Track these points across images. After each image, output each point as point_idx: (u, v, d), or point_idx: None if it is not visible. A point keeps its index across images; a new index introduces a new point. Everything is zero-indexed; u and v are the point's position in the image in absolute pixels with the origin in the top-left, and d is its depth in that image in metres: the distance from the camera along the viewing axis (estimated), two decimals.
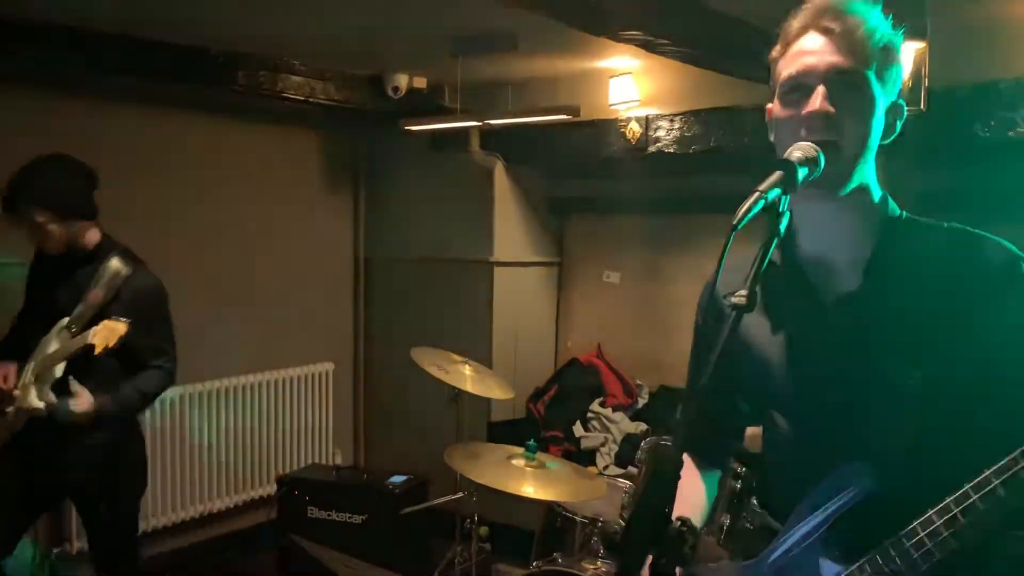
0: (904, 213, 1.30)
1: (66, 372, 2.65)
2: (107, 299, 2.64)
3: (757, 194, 1.09)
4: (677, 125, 3.94)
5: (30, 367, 2.71)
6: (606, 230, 4.70)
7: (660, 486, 0.98)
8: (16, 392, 2.70)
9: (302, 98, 4.15)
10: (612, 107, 4.09)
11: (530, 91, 4.41)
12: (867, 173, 1.25)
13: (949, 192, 3.41)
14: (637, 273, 4.58)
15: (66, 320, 2.67)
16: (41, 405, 2.64)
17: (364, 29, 3.50)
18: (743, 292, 1.08)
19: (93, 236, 2.75)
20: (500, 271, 4.63)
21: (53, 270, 2.78)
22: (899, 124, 1.27)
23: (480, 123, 4.13)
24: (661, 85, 4.06)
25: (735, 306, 1.07)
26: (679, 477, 0.99)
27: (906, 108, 1.27)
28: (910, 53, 2.47)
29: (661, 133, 3.98)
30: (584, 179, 4.72)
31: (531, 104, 4.32)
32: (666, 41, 2.85)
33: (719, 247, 1.09)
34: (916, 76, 2.47)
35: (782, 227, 1.13)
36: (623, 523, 2.88)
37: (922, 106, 2.53)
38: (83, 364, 2.62)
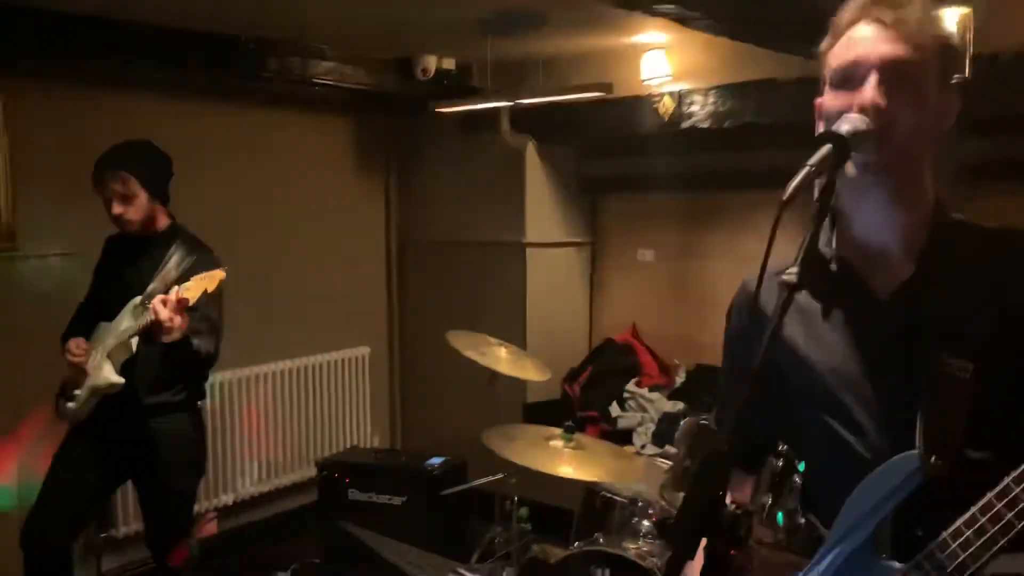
0: (953, 215, 1.28)
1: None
2: (178, 278, 2.72)
3: (808, 168, 1.06)
4: (711, 100, 3.88)
5: (101, 346, 2.79)
6: (639, 208, 4.66)
7: (713, 469, 0.97)
8: (88, 371, 2.78)
9: (332, 83, 4.15)
10: (644, 83, 4.04)
11: (560, 69, 4.37)
12: (920, 164, 1.23)
13: (993, 161, 3.33)
14: (671, 251, 4.54)
15: (138, 298, 2.76)
16: (120, 380, 2.72)
17: (392, 10, 3.48)
18: (793, 270, 1.05)
19: (164, 221, 2.91)
20: (533, 252, 4.61)
21: (123, 253, 2.91)
22: (954, 113, 1.23)
23: (511, 102, 4.09)
24: (694, 59, 4.00)
25: (786, 284, 1.05)
26: (732, 460, 0.97)
27: (961, 95, 1.23)
28: (954, 19, 2.40)
29: (695, 108, 3.92)
30: (617, 157, 4.67)
31: (562, 82, 4.28)
32: (700, 14, 2.80)
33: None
34: (960, 43, 2.40)
35: (831, 203, 1.10)
36: (662, 501, 2.85)
37: (966, 74, 2.45)
38: (143, 342, 2.71)
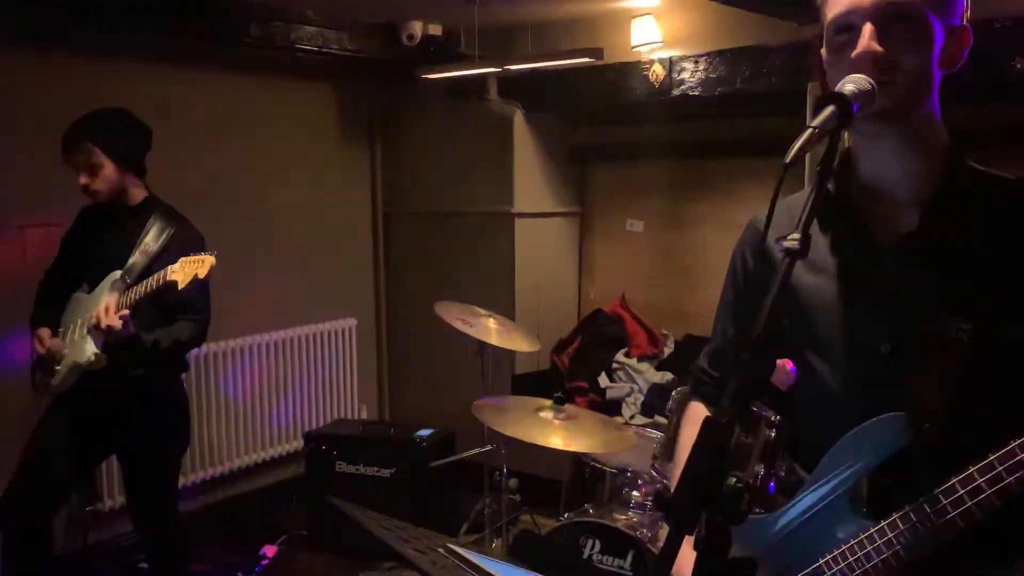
0: (970, 162, 1.23)
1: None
2: (159, 251, 2.69)
3: (811, 130, 1.02)
4: (702, 67, 3.82)
5: (80, 321, 2.75)
6: (629, 177, 4.61)
7: (712, 440, 0.93)
8: (64, 351, 2.75)
9: (316, 49, 4.06)
10: (634, 49, 3.97)
11: (548, 36, 4.29)
12: (930, 107, 1.19)
13: (986, 128, 3.30)
14: (661, 221, 4.50)
15: (118, 273, 2.71)
16: (104, 356, 2.68)
17: None
18: (796, 236, 1.01)
19: (139, 193, 2.83)
20: (521, 222, 4.56)
21: (98, 225, 2.84)
22: (965, 50, 1.19)
23: (499, 68, 4.02)
24: (685, 25, 3.93)
25: (788, 251, 1.01)
26: (733, 432, 0.94)
27: (971, 32, 1.18)
28: None
29: (685, 75, 3.86)
30: (606, 125, 4.62)
31: (551, 49, 4.21)
32: None
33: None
34: None
35: (834, 165, 1.06)
36: (653, 473, 2.83)
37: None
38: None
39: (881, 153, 1.21)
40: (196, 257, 2.51)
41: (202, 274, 2.48)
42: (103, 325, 2.52)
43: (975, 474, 1.06)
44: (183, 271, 2.49)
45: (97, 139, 2.69)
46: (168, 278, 2.49)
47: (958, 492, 1.07)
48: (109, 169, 2.72)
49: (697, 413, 1.50)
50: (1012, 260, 1.14)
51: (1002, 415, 1.10)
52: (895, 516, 1.12)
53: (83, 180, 2.71)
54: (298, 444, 4.41)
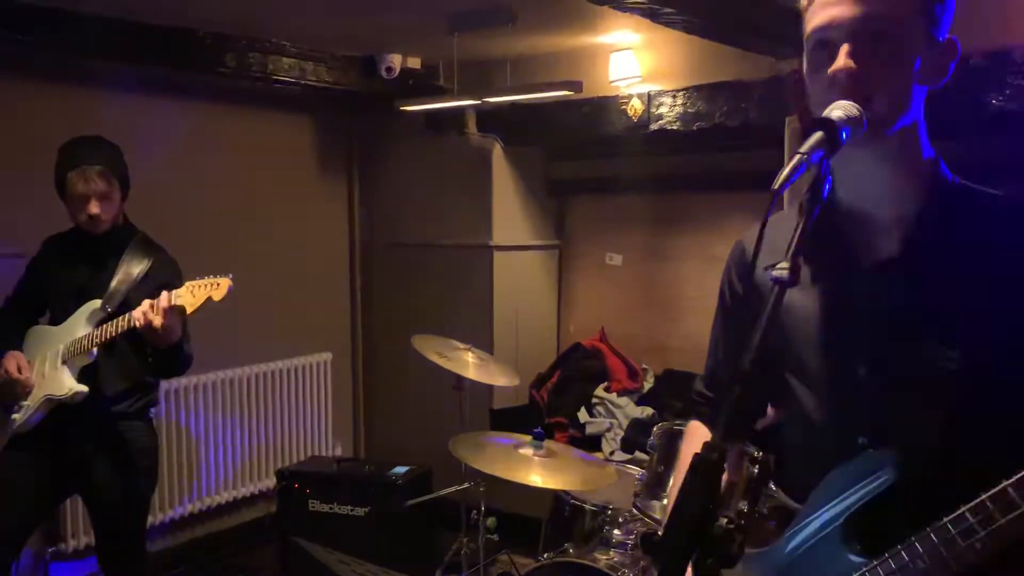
0: (957, 179, 1.21)
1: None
2: (138, 279, 2.62)
3: (799, 156, 1.00)
4: (680, 101, 3.83)
5: (51, 353, 2.65)
6: (608, 211, 4.61)
7: (703, 479, 0.89)
8: (30, 380, 2.64)
9: (293, 80, 4.04)
10: (613, 84, 3.98)
11: (527, 70, 4.30)
12: (909, 123, 1.16)
13: (962, 164, 3.32)
14: (640, 254, 4.49)
15: (97, 302, 2.62)
16: (84, 388, 2.59)
17: (356, 6, 3.38)
18: (785, 264, 0.98)
19: (120, 218, 2.75)
20: (500, 255, 4.53)
21: (70, 253, 2.74)
22: (952, 64, 1.17)
23: (478, 101, 4.02)
24: (663, 60, 3.95)
25: (778, 279, 0.97)
26: (724, 469, 0.90)
27: (959, 45, 1.17)
28: None
29: (664, 110, 3.88)
30: (585, 159, 4.62)
31: (529, 82, 4.21)
32: (671, 10, 2.74)
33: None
34: None
35: (825, 192, 1.03)
36: (635, 511, 2.77)
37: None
38: (103, 348, 2.61)
39: (860, 170, 1.17)
40: (208, 280, 2.39)
41: (217, 297, 2.37)
42: (151, 323, 2.35)
43: (967, 515, 1.02)
44: (191, 295, 2.37)
45: (115, 168, 2.63)
46: (175, 302, 2.37)
47: (951, 532, 1.03)
48: (118, 199, 2.67)
49: (696, 432, 1.48)
50: (999, 284, 1.11)
51: (993, 451, 1.07)
52: (887, 556, 1.08)
53: (96, 209, 2.59)
54: (270, 482, 4.31)
